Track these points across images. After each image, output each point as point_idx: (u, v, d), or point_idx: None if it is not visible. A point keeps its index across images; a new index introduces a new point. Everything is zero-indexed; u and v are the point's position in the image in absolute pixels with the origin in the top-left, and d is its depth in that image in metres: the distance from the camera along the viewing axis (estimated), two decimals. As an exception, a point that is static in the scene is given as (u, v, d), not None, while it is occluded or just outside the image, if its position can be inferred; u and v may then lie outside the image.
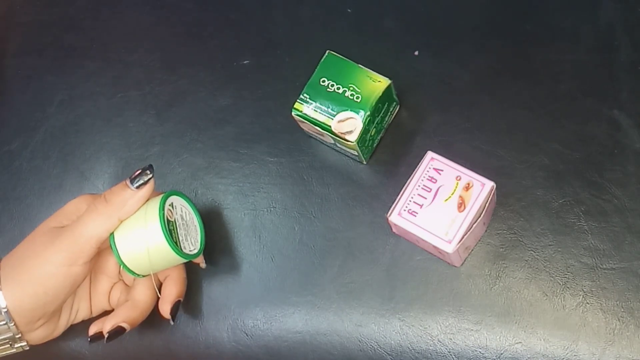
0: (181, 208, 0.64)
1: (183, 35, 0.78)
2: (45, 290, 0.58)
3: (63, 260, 0.58)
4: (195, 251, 0.64)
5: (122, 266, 0.61)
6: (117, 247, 0.60)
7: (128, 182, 0.60)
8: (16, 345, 0.61)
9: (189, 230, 0.64)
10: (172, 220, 0.62)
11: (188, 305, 0.69)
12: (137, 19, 0.79)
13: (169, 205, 0.62)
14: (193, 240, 0.64)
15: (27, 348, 0.62)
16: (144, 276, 0.63)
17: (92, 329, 0.63)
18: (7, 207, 0.75)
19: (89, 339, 0.63)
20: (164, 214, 0.60)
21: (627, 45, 0.69)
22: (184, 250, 0.62)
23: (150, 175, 0.60)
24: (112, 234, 0.60)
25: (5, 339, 0.60)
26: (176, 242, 0.61)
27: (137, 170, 0.60)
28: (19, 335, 0.60)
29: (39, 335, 0.61)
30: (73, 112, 0.77)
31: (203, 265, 0.68)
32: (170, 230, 0.61)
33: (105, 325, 0.62)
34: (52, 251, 0.58)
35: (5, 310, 0.58)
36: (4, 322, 0.59)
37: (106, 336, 0.62)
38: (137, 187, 0.60)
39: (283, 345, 0.67)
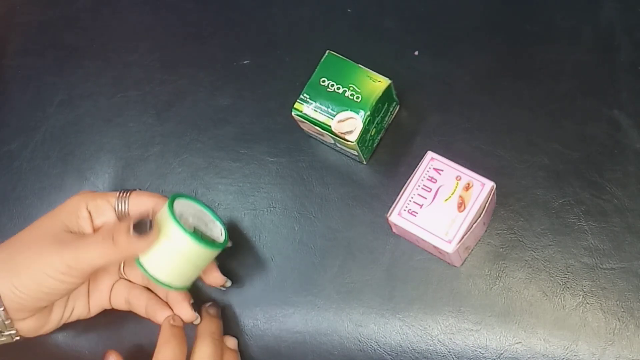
0: (187, 208, 0.62)
1: (183, 35, 0.78)
2: (40, 288, 0.59)
3: (63, 269, 0.59)
4: (224, 232, 0.64)
5: (168, 288, 0.61)
6: (158, 278, 0.60)
7: (131, 230, 0.58)
8: (5, 333, 0.61)
9: (205, 219, 0.63)
10: (191, 227, 0.61)
11: (188, 305, 0.69)
12: (137, 19, 0.79)
13: (178, 216, 0.60)
14: (210, 221, 0.64)
15: (18, 338, 0.62)
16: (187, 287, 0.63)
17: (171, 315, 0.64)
18: (7, 207, 0.75)
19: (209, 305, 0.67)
20: (182, 225, 0.59)
21: (627, 45, 0.69)
22: (220, 237, 0.63)
23: (149, 225, 0.58)
24: (143, 268, 0.60)
25: None
26: (206, 240, 0.61)
27: (137, 219, 0.59)
28: (9, 321, 0.60)
29: (29, 325, 0.62)
30: (73, 112, 0.77)
31: (228, 283, 0.68)
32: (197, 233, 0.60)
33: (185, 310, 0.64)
34: (56, 258, 0.59)
35: None
36: None
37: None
38: (140, 236, 0.58)
39: (283, 345, 0.67)
